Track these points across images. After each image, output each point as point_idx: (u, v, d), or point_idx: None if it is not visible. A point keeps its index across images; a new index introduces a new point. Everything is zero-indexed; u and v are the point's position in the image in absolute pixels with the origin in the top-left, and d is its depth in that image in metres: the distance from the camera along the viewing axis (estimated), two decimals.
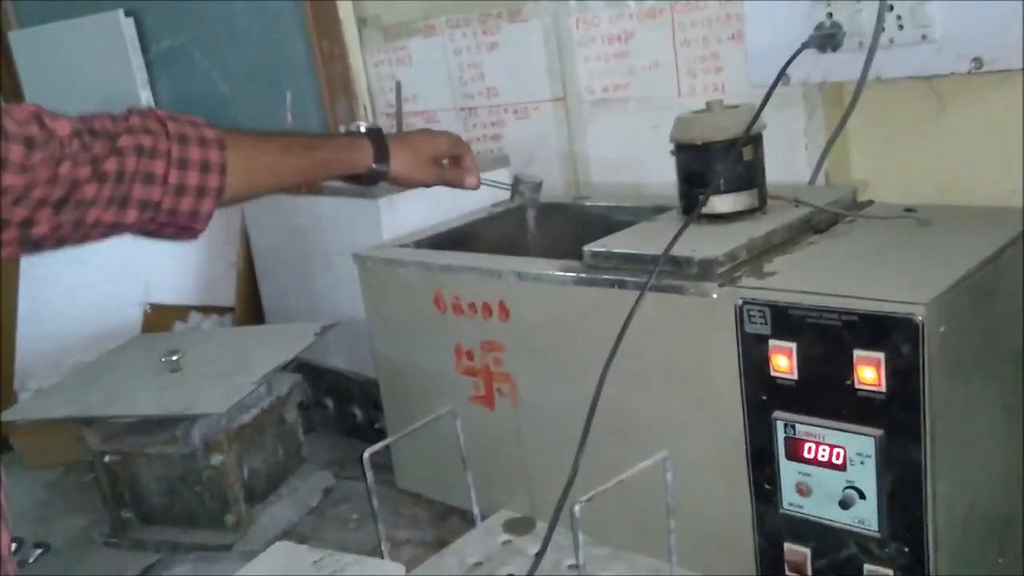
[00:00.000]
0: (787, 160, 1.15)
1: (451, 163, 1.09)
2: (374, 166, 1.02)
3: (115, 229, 0.82)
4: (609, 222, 1.24)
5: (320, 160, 1.00)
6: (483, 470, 1.11)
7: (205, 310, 1.72)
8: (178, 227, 0.86)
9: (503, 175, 1.45)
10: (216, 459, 1.20)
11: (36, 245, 0.78)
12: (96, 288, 1.69)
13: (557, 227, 1.30)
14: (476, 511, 1.11)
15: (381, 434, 1.31)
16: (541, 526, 1.10)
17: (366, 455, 0.99)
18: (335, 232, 1.40)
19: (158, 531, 1.26)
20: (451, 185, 1.09)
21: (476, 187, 1.09)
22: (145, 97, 2.08)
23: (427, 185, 1.08)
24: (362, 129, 1.11)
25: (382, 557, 1.02)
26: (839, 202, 1.05)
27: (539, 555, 0.87)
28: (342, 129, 1.19)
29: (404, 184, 1.07)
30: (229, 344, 1.41)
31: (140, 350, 1.43)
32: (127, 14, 2.05)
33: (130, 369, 1.36)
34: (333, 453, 1.45)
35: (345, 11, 1.66)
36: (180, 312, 1.71)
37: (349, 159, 1.01)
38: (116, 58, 2.05)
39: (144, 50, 2.07)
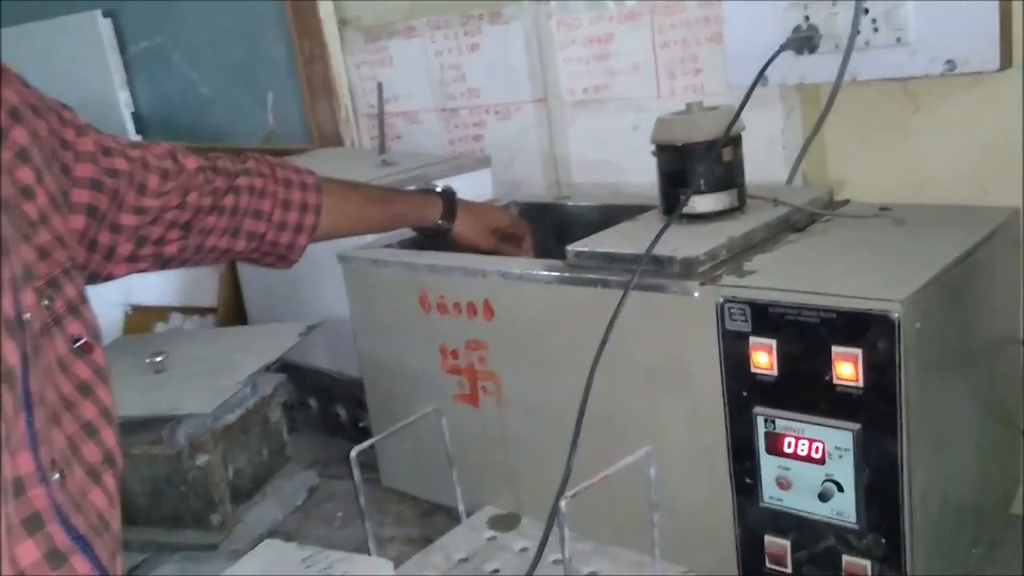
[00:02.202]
0: (765, 160, 1.17)
1: (507, 239, 1.22)
2: (440, 222, 1.16)
3: (226, 255, 0.98)
4: (590, 222, 1.26)
5: (396, 213, 1.15)
6: (467, 467, 1.12)
7: (187, 311, 1.72)
8: (276, 256, 1.02)
9: (485, 176, 1.46)
10: (201, 459, 1.21)
11: (165, 264, 0.92)
12: None
13: (539, 227, 1.31)
14: (461, 508, 1.13)
15: (365, 433, 1.32)
16: (526, 522, 1.11)
17: (353, 453, 0.99)
18: None
19: (143, 532, 1.26)
20: (504, 255, 1.20)
21: None
22: (123, 98, 2.08)
23: (482, 251, 1.18)
24: (438, 188, 1.20)
25: (369, 554, 1.03)
26: (816, 201, 1.07)
27: (539, 553, 0.88)
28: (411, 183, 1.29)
29: (462, 243, 1.19)
30: (213, 345, 1.42)
31: (123, 352, 1.43)
32: (105, 14, 2.04)
33: (114, 371, 1.34)
34: (317, 452, 1.45)
35: (326, 12, 1.67)
36: (162, 313, 1.70)
37: (420, 214, 1.16)
38: (94, 59, 2.04)
39: (122, 50, 2.06)
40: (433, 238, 1.18)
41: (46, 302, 0.62)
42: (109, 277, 0.87)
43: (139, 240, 0.87)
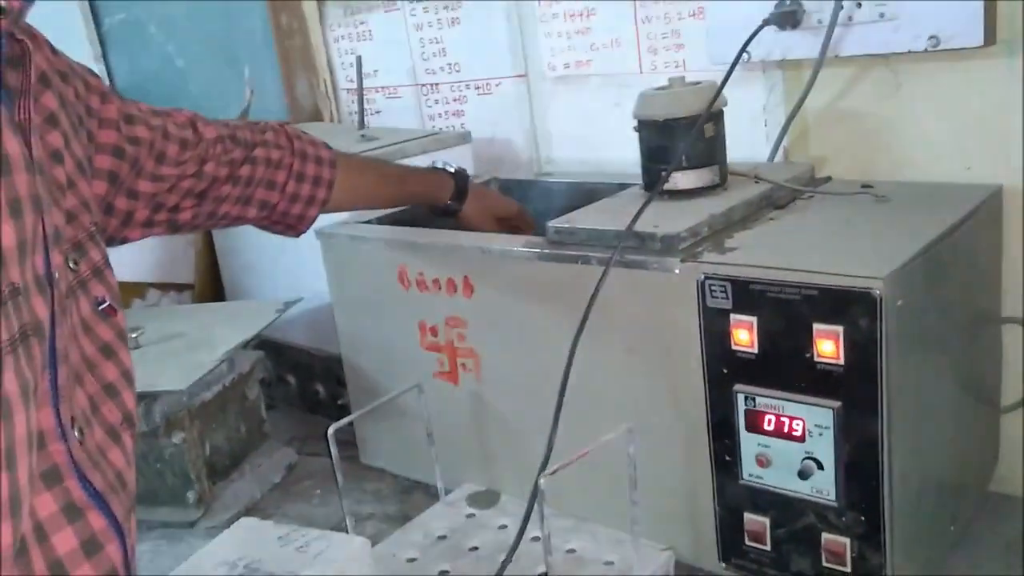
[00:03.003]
0: (747, 137, 1.16)
1: (513, 229, 1.22)
2: (449, 203, 1.18)
3: (237, 221, 0.99)
4: (572, 198, 1.25)
5: (409, 191, 1.16)
6: (446, 445, 1.11)
7: (164, 287, 1.70)
8: (286, 225, 1.03)
9: (465, 151, 1.45)
10: (177, 436, 1.19)
11: (177, 228, 0.93)
12: None
13: (520, 203, 1.30)
14: (440, 485, 1.12)
15: (344, 410, 1.31)
16: (504, 499, 1.11)
17: (331, 431, 0.98)
18: None
19: None
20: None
21: None
22: (98, 71, 2.04)
23: (486, 232, 1.20)
24: (451, 169, 1.20)
25: (346, 532, 1.02)
26: (798, 178, 1.07)
27: (521, 530, 0.87)
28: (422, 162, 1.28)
29: (467, 226, 1.20)
30: (189, 321, 1.40)
31: None
32: None
33: None
34: (296, 430, 1.44)
35: None
36: (138, 289, 1.68)
37: (433, 194, 1.18)
38: (67, 31, 2.00)
39: (97, 24, 2.03)
40: (440, 216, 1.19)
41: (72, 265, 0.63)
42: (124, 240, 0.88)
43: (155, 206, 0.87)
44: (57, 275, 0.59)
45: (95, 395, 0.64)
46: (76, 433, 0.59)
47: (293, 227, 1.04)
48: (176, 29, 1.90)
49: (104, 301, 0.67)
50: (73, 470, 0.58)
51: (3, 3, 0.53)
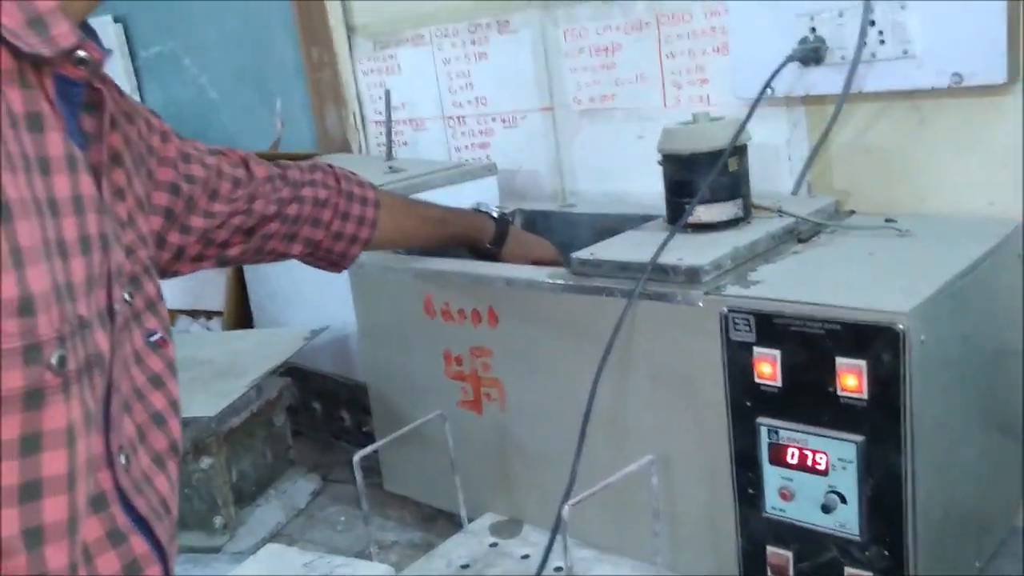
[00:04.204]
0: (770, 170, 1.18)
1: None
2: (489, 246, 1.20)
3: (282, 257, 1.01)
4: (595, 229, 1.26)
5: (450, 233, 1.19)
6: (469, 473, 1.12)
7: (194, 314, 1.73)
8: (329, 262, 1.05)
9: (491, 183, 1.47)
10: (205, 462, 1.21)
11: (226, 263, 0.96)
12: None
13: (544, 233, 1.32)
14: (463, 513, 1.13)
15: (369, 437, 1.33)
16: (527, 529, 1.11)
17: (356, 458, 1.00)
18: None
19: None
20: None
21: None
22: None
23: None
24: (493, 214, 1.24)
25: (370, 559, 1.03)
26: (821, 212, 1.07)
27: (543, 560, 0.88)
28: (465, 208, 1.29)
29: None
30: (218, 348, 1.42)
31: None
32: (115, 20, 2.05)
33: None
34: (320, 456, 1.45)
35: (335, 19, 1.67)
36: (169, 316, 1.71)
37: (473, 236, 1.21)
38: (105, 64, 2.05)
39: (132, 56, 2.07)
40: (478, 258, 1.21)
41: (128, 298, 0.65)
42: (176, 274, 0.90)
43: (206, 242, 0.90)
44: (117, 308, 0.62)
45: (143, 423, 0.66)
46: (122, 460, 0.61)
47: (336, 264, 1.06)
48: (209, 62, 1.94)
49: (155, 333, 0.69)
50: (117, 496, 0.60)
51: (84, 55, 0.56)
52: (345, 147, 1.75)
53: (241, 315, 1.67)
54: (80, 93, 0.62)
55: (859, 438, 0.80)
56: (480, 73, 1.53)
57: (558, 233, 1.34)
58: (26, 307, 0.51)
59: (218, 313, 1.71)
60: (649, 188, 1.26)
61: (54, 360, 0.52)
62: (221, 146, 0.94)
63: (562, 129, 1.45)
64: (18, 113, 0.53)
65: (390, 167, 1.48)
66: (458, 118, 1.60)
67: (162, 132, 0.82)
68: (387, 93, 1.59)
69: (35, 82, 0.55)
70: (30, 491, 0.52)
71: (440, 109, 1.62)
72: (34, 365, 0.51)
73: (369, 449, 1.01)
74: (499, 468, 1.14)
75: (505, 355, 1.09)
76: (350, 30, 1.69)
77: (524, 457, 1.11)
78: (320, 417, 1.51)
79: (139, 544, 0.61)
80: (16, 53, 0.53)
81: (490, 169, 1.48)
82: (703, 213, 1.01)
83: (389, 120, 1.59)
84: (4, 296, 0.50)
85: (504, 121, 1.53)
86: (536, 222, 1.38)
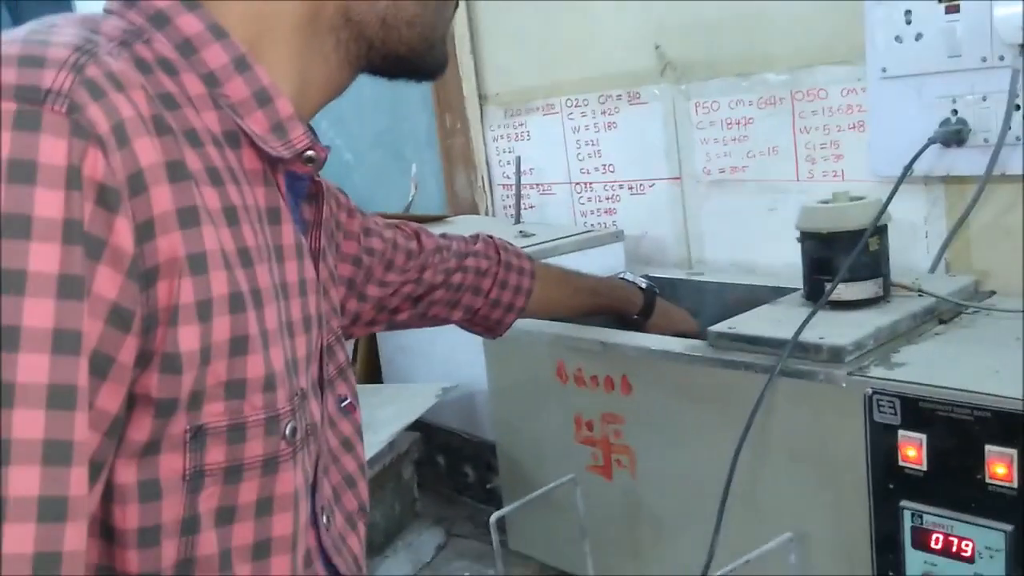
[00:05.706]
0: (906, 247, 1.18)
1: None
2: (636, 317, 1.24)
3: (443, 322, 1.07)
4: (724, 298, 1.28)
5: (600, 304, 1.23)
6: (596, 538, 1.14)
7: None
8: (485, 328, 1.10)
9: (618, 249, 1.50)
10: None
11: (394, 327, 1.03)
12: None
13: (671, 300, 1.34)
14: None
15: (492, 494, 1.36)
16: None
17: (493, 519, 1.03)
18: None
19: None
20: None
21: None
22: None
23: None
24: (641, 284, 1.27)
25: None
26: (961, 292, 1.07)
27: None
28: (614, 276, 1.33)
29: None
30: None
31: None
32: None
33: None
34: (443, 510, 1.49)
35: (469, 89, 1.75)
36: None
37: (622, 308, 1.24)
38: None
39: None
40: (624, 328, 1.24)
41: (323, 367, 0.71)
42: (349, 337, 0.96)
43: (379, 308, 0.96)
44: (327, 379, 0.68)
45: (337, 485, 0.71)
46: (324, 520, 0.66)
47: (491, 330, 1.11)
48: (346, 126, 2.04)
49: (346, 399, 0.75)
50: (320, 554, 0.65)
51: (313, 154, 0.62)
52: (473, 209, 1.81)
53: (372, 368, 1.73)
54: (304, 187, 0.69)
55: (1008, 527, 0.79)
56: (608, 142, 1.58)
57: (684, 301, 1.36)
58: (269, 384, 0.56)
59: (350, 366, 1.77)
60: (778, 259, 1.28)
61: (287, 431, 0.58)
62: (395, 219, 1.00)
63: (690, 197, 1.48)
64: (262, 208, 0.60)
65: (520, 231, 1.53)
66: (585, 184, 1.64)
67: (348, 208, 0.89)
68: (518, 160, 1.65)
69: (272, 179, 0.61)
70: (261, 550, 0.57)
71: (567, 175, 1.66)
72: (272, 436, 0.57)
73: (506, 511, 1.05)
74: (628, 535, 1.15)
75: (637, 423, 1.11)
76: (482, 99, 1.76)
77: (654, 525, 1.12)
78: (444, 471, 1.55)
79: None
80: (261, 155, 0.60)
81: (617, 236, 1.51)
82: (843, 291, 1.02)
83: (519, 185, 1.64)
84: (255, 375, 0.55)
85: (631, 188, 1.57)
86: (663, 288, 1.40)
